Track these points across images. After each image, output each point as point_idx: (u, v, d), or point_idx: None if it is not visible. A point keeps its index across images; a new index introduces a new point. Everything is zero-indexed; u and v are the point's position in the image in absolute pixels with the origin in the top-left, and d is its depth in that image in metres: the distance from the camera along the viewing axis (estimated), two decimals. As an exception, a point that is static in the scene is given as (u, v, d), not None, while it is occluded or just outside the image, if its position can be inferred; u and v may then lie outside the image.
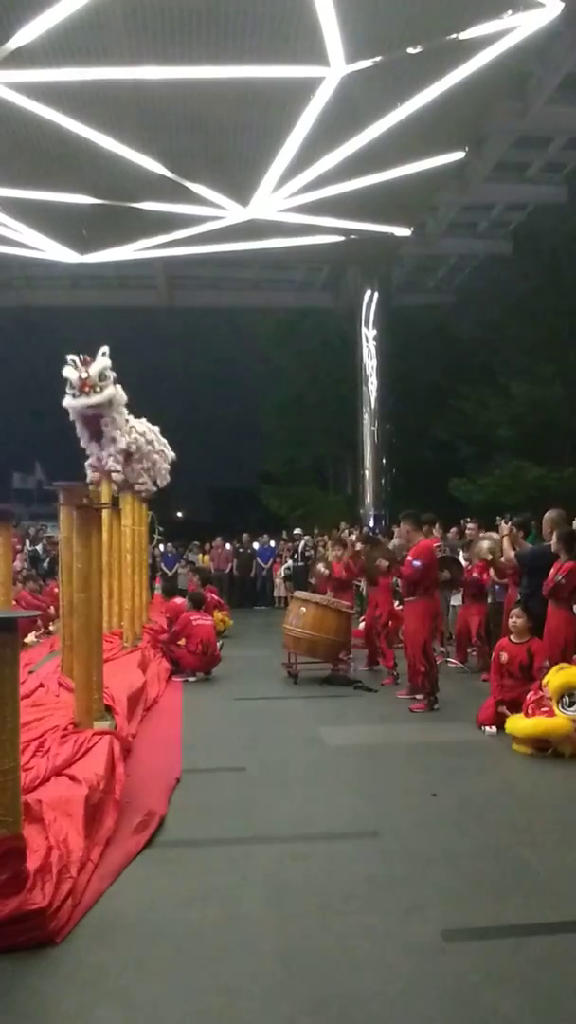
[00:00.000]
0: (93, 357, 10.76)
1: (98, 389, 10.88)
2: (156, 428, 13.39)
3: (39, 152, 14.28)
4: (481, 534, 11.75)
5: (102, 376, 10.82)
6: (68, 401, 10.95)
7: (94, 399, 10.90)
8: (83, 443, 11.44)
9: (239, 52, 11.43)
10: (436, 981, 3.37)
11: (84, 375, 10.74)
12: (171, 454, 13.93)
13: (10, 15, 10.41)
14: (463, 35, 11.06)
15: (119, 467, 11.47)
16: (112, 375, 10.88)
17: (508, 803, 5.70)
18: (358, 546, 12.51)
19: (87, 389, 10.81)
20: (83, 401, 10.84)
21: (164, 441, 13.69)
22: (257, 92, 12.36)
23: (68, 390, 10.91)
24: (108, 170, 14.76)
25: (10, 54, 10.94)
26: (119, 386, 11.06)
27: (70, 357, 10.76)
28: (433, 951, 3.61)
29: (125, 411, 11.58)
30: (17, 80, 11.71)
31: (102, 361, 10.90)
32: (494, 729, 7.43)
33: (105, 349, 10.77)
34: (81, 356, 10.91)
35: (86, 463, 11.59)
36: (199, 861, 4.62)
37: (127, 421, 11.74)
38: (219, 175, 15.08)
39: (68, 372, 10.84)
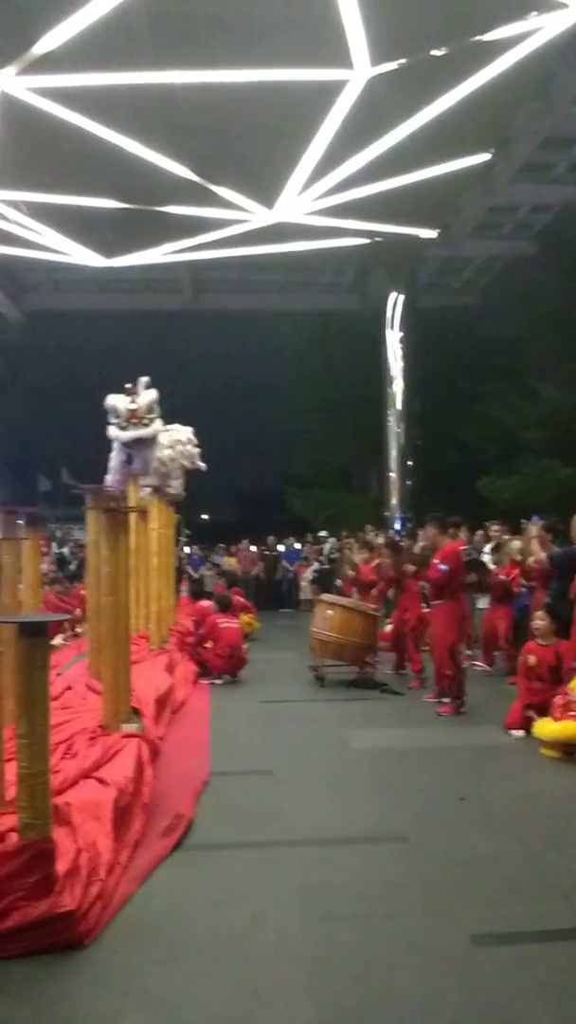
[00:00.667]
0: (134, 385, 10.78)
1: (146, 422, 10.91)
2: (190, 430, 13.42)
3: (65, 156, 14.35)
4: (508, 536, 11.70)
5: (150, 409, 10.85)
6: (115, 432, 10.92)
7: (143, 432, 10.90)
8: (113, 463, 11.43)
9: (264, 55, 11.43)
10: (465, 986, 3.36)
11: (133, 406, 10.74)
12: (202, 465, 13.88)
13: (36, 20, 10.48)
14: (487, 37, 11.00)
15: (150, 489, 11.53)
16: (157, 408, 10.93)
17: (536, 807, 5.67)
18: (384, 553, 12.48)
19: (135, 421, 10.82)
20: (132, 434, 10.81)
21: (195, 450, 13.65)
22: (282, 95, 12.35)
23: (114, 419, 10.93)
24: (134, 174, 14.81)
25: (36, 59, 11.01)
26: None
27: (125, 389, 10.75)
28: (462, 956, 3.60)
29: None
30: (43, 85, 11.78)
31: (150, 394, 10.93)
32: (522, 733, 7.39)
33: (147, 379, 10.78)
34: (128, 386, 10.95)
35: (108, 477, 11.62)
36: (227, 864, 4.63)
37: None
38: (244, 178, 15.09)
39: (117, 401, 10.83)
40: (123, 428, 10.90)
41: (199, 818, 5.29)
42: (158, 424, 11.08)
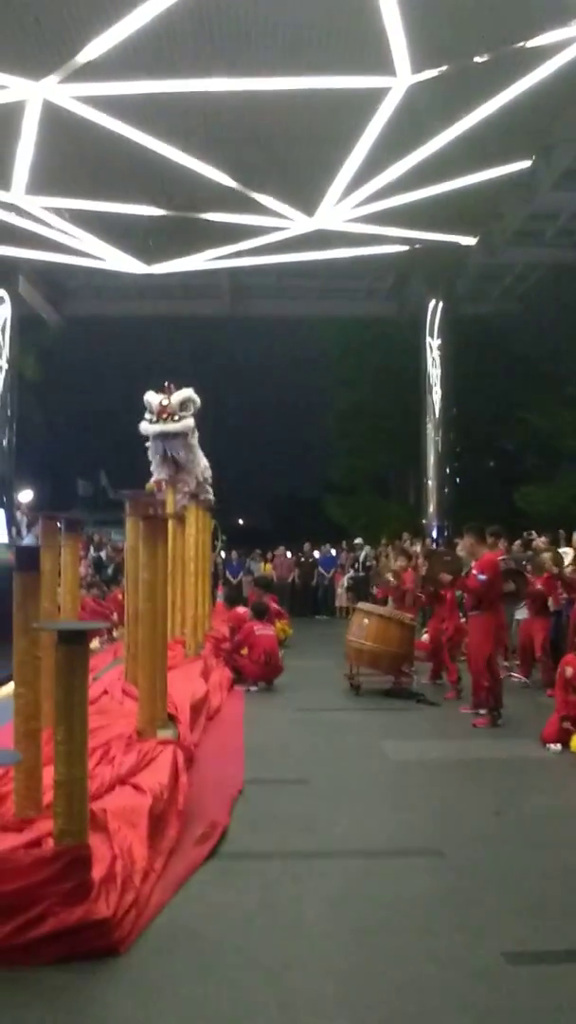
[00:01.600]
0: (176, 384, 10.84)
1: (176, 418, 10.96)
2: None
3: (106, 164, 14.52)
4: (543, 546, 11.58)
5: (183, 406, 10.91)
6: (144, 426, 11.03)
7: (170, 427, 10.96)
8: (153, 466, 11.51)
9: (305, 63, 11.48)
10: (499, 1004, 3.32)
11: (165, 402, 10.81)
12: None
13: (79, 29, 10.61)
14: (530, 43, 10.96)
15: (189, 488, 11.59)
16: (195, 406, 10.99)
17: (573, 823, 5.59)
18: (421, 560, 12.39)
19: (165, 416, 10.89)
20: (158, 428, 10.90)
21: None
22: (323, 102, 12.39)
23: (147, 415, 11.01)
24: (175, 181, 14.94)
25: (79, 67, 11.14)
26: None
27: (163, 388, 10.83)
28: (496, 974, 3.55)
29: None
30: (86, 93, 11.92)
31: (186, 392, 10.99)
32: (559, 746, 7.31)
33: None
34: (167, 383, 11.01)
35: (152, 480, 11.69)
36: (261, 874, 4.62)
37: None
38: (285, 185, 15.16)
39: (150, 397, 10.93)
40: (151, 422, 11.00)
41: (233, 826, 5.28)
42: (189, 422, 11.11)
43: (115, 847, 4.21)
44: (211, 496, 13.62)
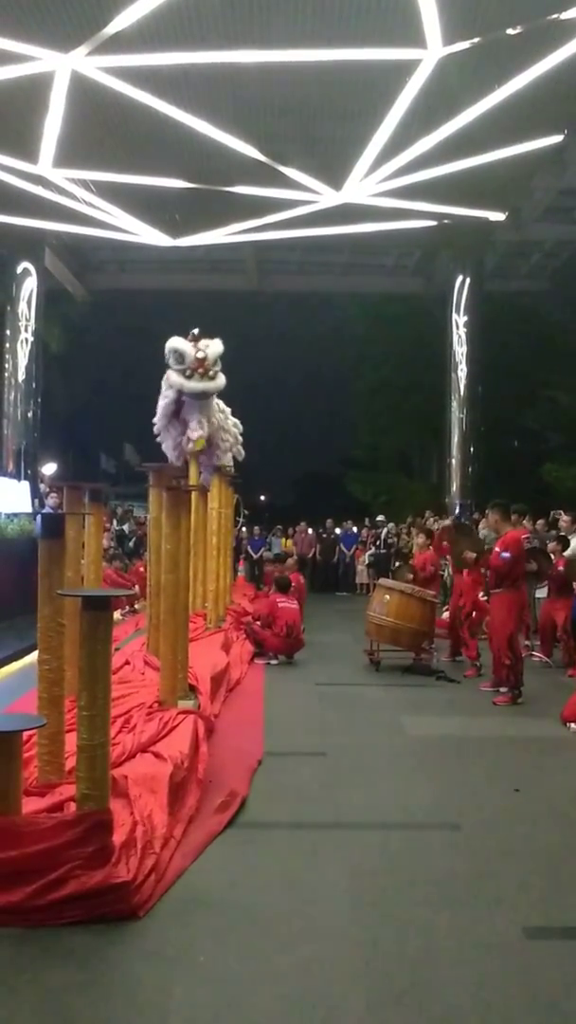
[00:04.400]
0: (198, 333, 10.39)
1: (212, 374, 10.54)
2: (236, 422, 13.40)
3: (134, 136, 14.46)
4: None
5: (216, 361, 10.51)
6: (179, 380, 10.52)
7: (209, 385, 10.57)
8: (193, 423, 11.12)
9: (335, 35, 11.34)
10: (517, 978, 3.33)
11: (201, 355, 10.28)
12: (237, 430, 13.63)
13: (108, 1, 10.53)
14: (564, 15, 10.77)
15: (201, 432, 11.23)
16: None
17: (593, 801, 5.59)
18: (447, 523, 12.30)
19: (202, 371, 10.43)
20: (199, 385, 10.44)
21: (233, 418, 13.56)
22: (353, 75, 12.26)
23: (176, 365, 10.51)
24: (202, 154, 14.85)
25: (108, 39, 11.07)
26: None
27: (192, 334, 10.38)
28: (514, 947, 3.57)
29: None
30: (114, 64, 11.85)
31: (217, 344, 10.58)
32: (580, 726, 7.30)
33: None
34: (194, 332, 10.56)
35: (164, 446, 11.58)
36: (279, 844, 4.65)
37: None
38: (312, 159, 15.03)
39: (181, 346, 10.43)
40: (188, 377, 10.53)
41: (252, 797, 5.32)
42: (222, 378, 10.75)
43: (136, 813, 4.26)
44: (242, 452, 13.45)
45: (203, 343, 10.67)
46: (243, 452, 13.72)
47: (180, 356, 10.54)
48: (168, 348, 10.71)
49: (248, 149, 14.36)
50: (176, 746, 5.37)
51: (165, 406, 11.23)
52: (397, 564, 16.87)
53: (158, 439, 11.94)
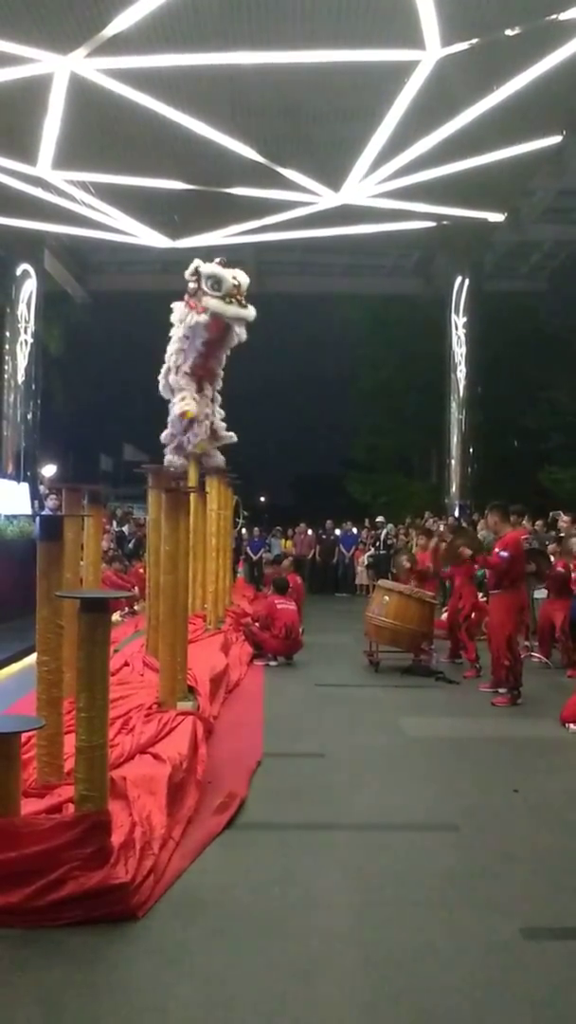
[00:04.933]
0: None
1: (244, 303, 10.12)
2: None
3: (133, 138, 14.47)
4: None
5: (245, 290, 10.16)
6: (218, 305, 10.07)
7: (248, 312, 10.22)
8: (195, 356, 10.80)
9: (334, 36, 11.36)
10: (515, 979, 3.34)
11: (235, 281, 9.92)
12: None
13: (107, 2, 10.54)
14: (562, 16, 10.78)
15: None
16: None
17: (592, 802, 5.60)
18: (443, 540, 12.31)
19: (240, 297, 10.02)
20: (239, 312, 10.03)
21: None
22: (351, 76, 12.28)
23: (213, 290, 10.07)
24: (201, 155, 14.87)
25: (107, 41, 11.08)
26: None
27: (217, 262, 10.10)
28: (512, 949, 3.57)
29: None
30: (113, 66, 11.86)
31: (244, 275, 10.27)
32: (579, 727, 7.31)
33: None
34: (222, 259, 10.22)
35: (165, 438, 11.45)
36: (278, 845, 4.66)
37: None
38: (311, 160, 15.05)
39: (219, 270, 10.06)
40: (228, 303, 10.10)
41: (251, 798, 5.32)
42: (252, 309, 10.35)
43: (134, 814, 4.27)
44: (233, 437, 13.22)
45: (235, 270, 10.47)
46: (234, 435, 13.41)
47: (218, 281, 10.18)
48: (206, 272, 10.32)
49: (247, 150, 14.39)
50: (175, 747, 5.37)
51: (185, 339, 10.84)
52: (395, 551, 16.87)
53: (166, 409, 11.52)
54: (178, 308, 10.96)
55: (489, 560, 8.93)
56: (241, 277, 10.28)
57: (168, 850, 4.31)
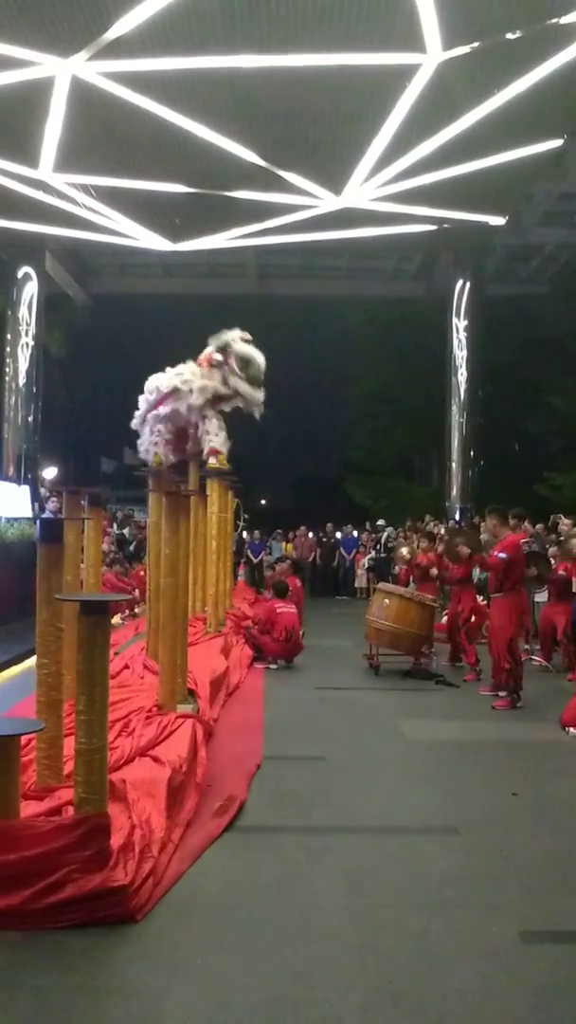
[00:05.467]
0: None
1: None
2: None
3: (134, 141, 14.47)
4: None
5: None
6: (249, 391, 10.75)
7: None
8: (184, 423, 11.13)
9: (334, 39, 11.36)
10: (513, 982, 3.34)
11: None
12: None
13: (108, 6, 10.56)
14: (563, 20, 10.79)
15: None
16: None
17: (591, 806, 5.60)
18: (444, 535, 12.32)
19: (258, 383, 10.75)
20: (261, 396, 10.73)
21: None
22: (352, 80, 12.28)
23: (241, 370, 10.60)
24: (202, 159, 14.87)
25: (108, 44, 11.09)
26: None
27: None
28: (511, 952, 3.57)
29: None
30: (114, 70, 11.87)
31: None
32: (578, 730, 7.30)
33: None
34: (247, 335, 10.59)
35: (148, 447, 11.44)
36: (278, 848, 4.66)
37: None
38: (312, 163, 15.04)
39: (255, 353, 10.62)
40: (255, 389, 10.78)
41: (251, 801, 5.32)
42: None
43: (134, 817, 4.27)
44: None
45: (256, 351, 10.83)
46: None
47: (247, 363, 10.55)
48: (237, 352, 10.70)
49: (248, 154, 14.39)
50: (175, 750, 5.37)
51: (196, 407, 11.01)
52: (395, 542, 16.86)
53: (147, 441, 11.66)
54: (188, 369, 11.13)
55: (487, 561, 8.93)
56: (261, 360, 10.58)
57: (167, 853, 4.31)
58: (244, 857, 4.51)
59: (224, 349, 10.79)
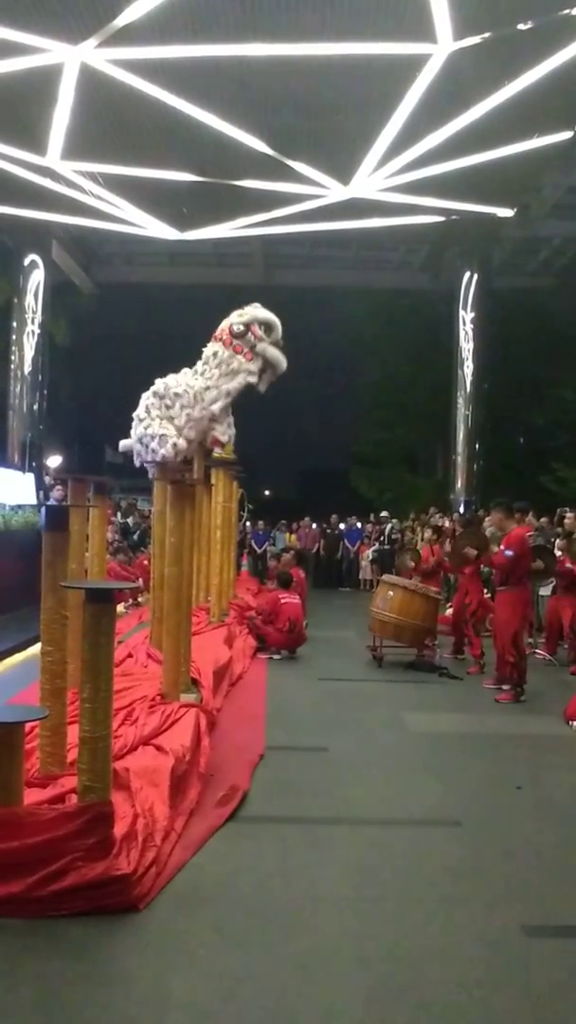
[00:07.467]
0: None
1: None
2: None
3: (142, 129, 14.41)
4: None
5: None
6: (276, 354, 10.71)
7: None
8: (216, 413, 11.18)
9: (345, 28, 11.29)
10: (515, 976, 3.34)
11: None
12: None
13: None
14: (575, 11, 10.71)
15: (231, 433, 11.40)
16: None
17: (594, 800, 5.59)
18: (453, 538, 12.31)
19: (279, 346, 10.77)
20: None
21: None
22: (362, 69, 12.20)
23: (267, 336, 10.65)
24: (210, 147, 14.81)
25: (117, 31, 11.04)
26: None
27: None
28: (513, 945, 3.57)
29: None
30: (122, 57, 11.82)
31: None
32: (582, 724, 7.30)
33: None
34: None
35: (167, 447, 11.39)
36: (280, 838, 4.65)
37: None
38: (321, 153, 14.98)
39: (271, 318, 10.63)
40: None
41: (253, 791, 5.33)
42: None
43: (137, 806, 4.27)
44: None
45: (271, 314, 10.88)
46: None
47: (269, 328, 10.60)
48: (259, 318, 10.70)
49: (256, 143, 14.32)
50: (178, 739, 5.37)
51: (236, 390, 10.98)
52: (399, 547, 16.85)
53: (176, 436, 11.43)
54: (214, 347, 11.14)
55: (494, 559, 8.93)
56: (279, 325, 10.77)
57: (170, 842, 4.31)
58: (246, 847, 4.51)
59: (247, 319, 10.84)
